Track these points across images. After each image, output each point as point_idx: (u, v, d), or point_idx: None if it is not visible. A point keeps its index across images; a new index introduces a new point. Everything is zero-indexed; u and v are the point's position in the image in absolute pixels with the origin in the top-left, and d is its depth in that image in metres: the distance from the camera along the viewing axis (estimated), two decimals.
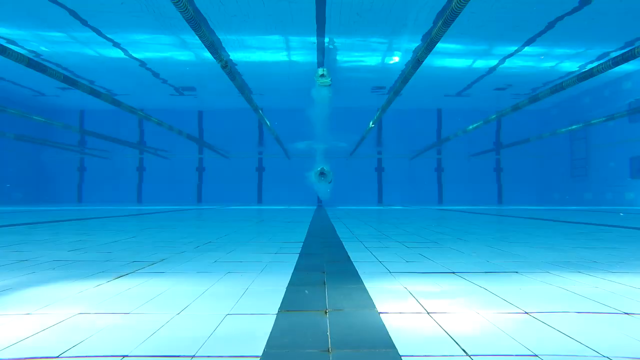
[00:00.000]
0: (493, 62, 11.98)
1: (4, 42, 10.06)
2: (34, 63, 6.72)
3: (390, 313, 1.41)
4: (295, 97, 14.87)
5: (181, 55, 11.39)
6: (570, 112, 15.71)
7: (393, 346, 1.11)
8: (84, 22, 9.17)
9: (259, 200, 18.47)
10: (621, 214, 6.74)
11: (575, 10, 8.45)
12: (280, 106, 16.60)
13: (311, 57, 11.20)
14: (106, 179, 18.30)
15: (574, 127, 13.41)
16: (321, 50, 10.59)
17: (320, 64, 11.41)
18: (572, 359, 1.05)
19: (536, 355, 1.06)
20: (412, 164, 18.55)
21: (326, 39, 9.93)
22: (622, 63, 6.57)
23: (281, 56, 11.41)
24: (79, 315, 1.40)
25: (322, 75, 10.78)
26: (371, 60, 11.69)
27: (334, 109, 13.02)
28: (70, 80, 7.90)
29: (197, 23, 5.96)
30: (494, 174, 18.71)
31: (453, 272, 2.16)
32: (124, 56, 11.31)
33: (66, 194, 18.26)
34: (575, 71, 12.20)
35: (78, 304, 1.54)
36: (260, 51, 10.98)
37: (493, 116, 12.47)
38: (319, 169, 13.01)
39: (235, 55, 11.21)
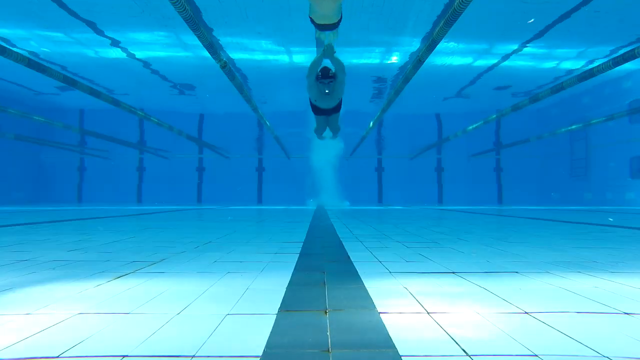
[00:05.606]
0: (493, 61, 11.96)
1: (2, 42, 10.05)
2: (33, 63, 6.71)
3: (390, 313, 1.41)
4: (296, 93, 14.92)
5: (181, 53, 11.37)
6: (570, 112, 15.70)
7: (393, 346, 1.11)
8: (83, 20, 9.16)
9: (259, 201, 18.46)
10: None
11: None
12: (281, 108, 16.59)
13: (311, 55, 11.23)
14: (106, 179, 18.28)
15: (573, 127, 13.39)
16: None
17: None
18: (572, 359, 1.05)
19: (536, 355, 1.06)
20: (412, 164, 18.55)
21: (325, 41, 9.93)
22: (622, 63, 6.57)
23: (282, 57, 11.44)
24: (79, 315, 1.40)
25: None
26: (373, 58, 11.69)
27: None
28: (69, 80, 7.89)
29: (196, 23, 5.95)
30: (494, 174, 18.70)
31: (453, 272, 2.16)
32: (124, 55, 11.30)
33: (66, 194, 18.24)
34: (576, 69, 12.17)
35: (78, 304, 1.54)
36: (260, 51, 10.99)
37: (493, 116, 12.47)
38: (320, 68, 6.92)
39: (235, 55, 11.21)
